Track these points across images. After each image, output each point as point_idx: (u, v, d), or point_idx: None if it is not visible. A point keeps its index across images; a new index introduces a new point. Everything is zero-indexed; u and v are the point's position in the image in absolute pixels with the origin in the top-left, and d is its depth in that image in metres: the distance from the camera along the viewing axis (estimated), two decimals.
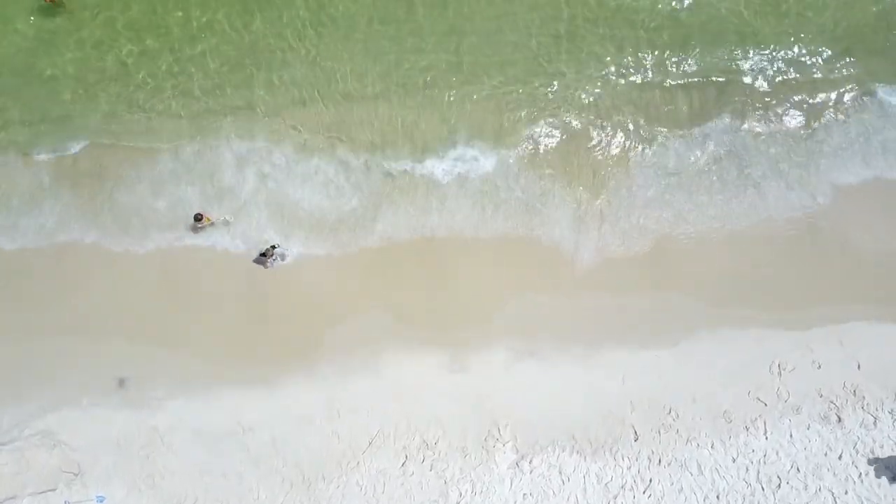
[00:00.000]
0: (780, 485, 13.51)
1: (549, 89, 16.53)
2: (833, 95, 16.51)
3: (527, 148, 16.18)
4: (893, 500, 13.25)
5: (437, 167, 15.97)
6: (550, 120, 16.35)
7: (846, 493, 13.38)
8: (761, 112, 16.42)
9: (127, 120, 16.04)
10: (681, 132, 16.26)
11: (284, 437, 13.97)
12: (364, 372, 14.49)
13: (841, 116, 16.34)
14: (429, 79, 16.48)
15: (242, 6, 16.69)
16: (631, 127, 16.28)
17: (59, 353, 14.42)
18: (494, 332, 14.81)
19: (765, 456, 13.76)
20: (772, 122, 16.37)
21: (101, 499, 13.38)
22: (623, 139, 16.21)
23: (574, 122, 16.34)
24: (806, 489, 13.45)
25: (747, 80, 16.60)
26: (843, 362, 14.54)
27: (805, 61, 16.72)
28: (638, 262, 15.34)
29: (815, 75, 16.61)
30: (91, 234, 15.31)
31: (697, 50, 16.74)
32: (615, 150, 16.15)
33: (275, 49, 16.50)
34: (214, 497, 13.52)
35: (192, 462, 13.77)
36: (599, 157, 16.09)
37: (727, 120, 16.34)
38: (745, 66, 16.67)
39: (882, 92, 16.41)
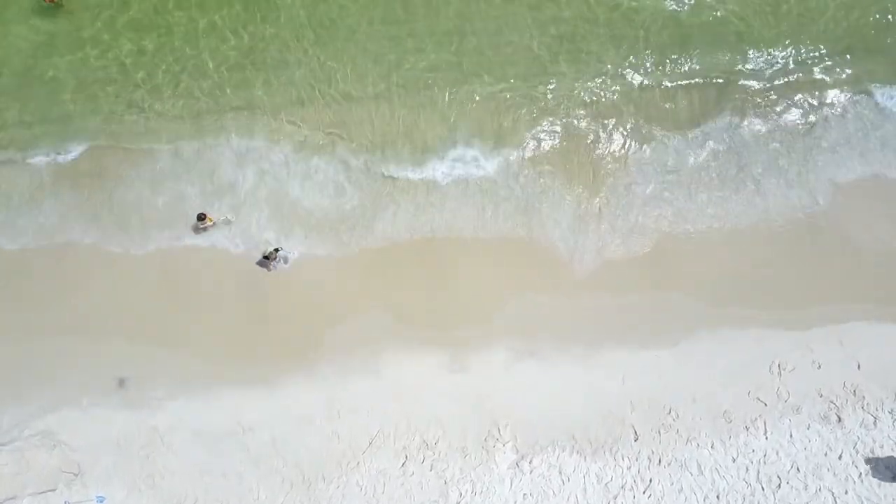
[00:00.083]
0: (780, 485, 13.51)
1: (549, 89, 16.54)
2: (832, 95, 16.56)
3: (527, 148, 16.19)
4: (893, 499, 13.25)
5: (437, 167, 15.98)
6: (550, 120, 16.37)
7: (846, 492, 13.39)
8: (761, 112, 16.45)
9: (127, 120, 16.04)
10: (680, 132, 16.29)
11: (284, 437, 13.96)
12: (364, 372, 14.48)
13: (839, 115, 16.39)
14: (429, 79, 16.49)
15: (243, 7, 16.69)
16: (631, 127, 16.30)
17: (59, 353, 14.40)
18: (494, 332, 14.81)
19: (765, 456, 13.76)
20: (771, 121, 16.40)
21: (101, 499, 13.37)
22: (623, 139, 16.23)
23: (574, 122, 16.36)
24: (806, 489, 13.45)
25: (747, 79, 16.64)
26: (843, 362, 14.55)
27: (804, 61, 16.75)
28: (638, 262, 15.35)
29: (814, 75, 16.66)
30: (91, 234, 15.30)
31: (697, 50, 16.77)
32: (615, 150, 16.16)
33: (275, 49, 16.52)
34: (214, 497, 13.51)
35: (192, 462, 13.76)
36: (599, 157, 16.11)
37: (727, 119, 16.36)
38: (745, 66, 16.71)
39: (879, 91, 16.42)
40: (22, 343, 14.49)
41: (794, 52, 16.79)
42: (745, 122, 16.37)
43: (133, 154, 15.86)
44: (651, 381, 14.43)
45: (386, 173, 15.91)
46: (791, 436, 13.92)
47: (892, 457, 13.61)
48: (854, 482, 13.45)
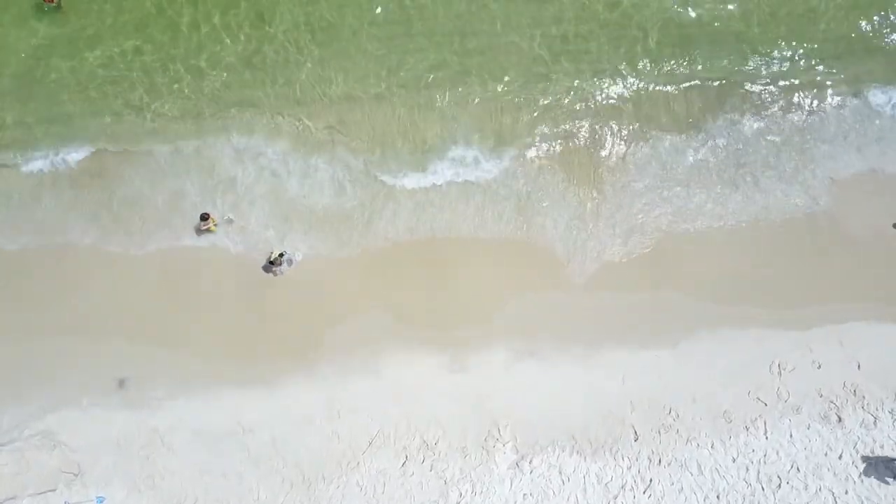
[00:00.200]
0: (780, 484, 13.51)
1: (549, 90, 16.54)
2: (830, 94, 16.58)
3: (527, 148, 16.18)
4: (893, 499, 13.25)
5: (437, 167, 15.97)
6: (551, 120, 16.37)
7: (846, 492, 13.39)
8: (760, 111, 16.46)
9: (126, 120, 16.02)
10: (680, 132, 16.29)
11: (284, 438, 13.96)
12: (364, 372, 14.49)
13: (838, 115, 16.40)
14: (429, 79, 16.48)
15: (243, 8, 16.67)
16: (630, 127, 16.30)
17: (59, 353, 14.41)
18: (494, 333, 14.83)
19: (765, 456, 13.76)
20: (770, 121, 16.41)
21: (100, 499, 13.38)
22: (622, 139, 16.23)
23: (574, 123, 16.36)
24: (806, 489, 13.45)
25: (746, 80, 16.65)
26: (843, 362, 14.57)
27: (803, 62, 16.76)
28: (638, 262, 15.35)
29: (812, 75, 16.67)
30: (91, 233, 15.30)
31: (697, 51, 16.77)
32: (615, 150, 16.16)
33: (275, 49, 16.49)
34: (214, 497, 13.51)
35: (192, 462, 13.76)
36: (599, 157, 16.11)
37: (726, 119, 16.37)
38: (744, 66, 16.71)
39: (878, 91, 16.46)
40: (22, 343, 14.49)
41: (793, 52, 16.79)
42: (745, 122, 16.38)
43: (133, 154, 15.86)
44: (651, 381, 14.43)
45: (386, 173, 15.89)
46: (791, 436, 13.92)
47: (892, 456, 13.61)
48: (854, 482, 13.46)
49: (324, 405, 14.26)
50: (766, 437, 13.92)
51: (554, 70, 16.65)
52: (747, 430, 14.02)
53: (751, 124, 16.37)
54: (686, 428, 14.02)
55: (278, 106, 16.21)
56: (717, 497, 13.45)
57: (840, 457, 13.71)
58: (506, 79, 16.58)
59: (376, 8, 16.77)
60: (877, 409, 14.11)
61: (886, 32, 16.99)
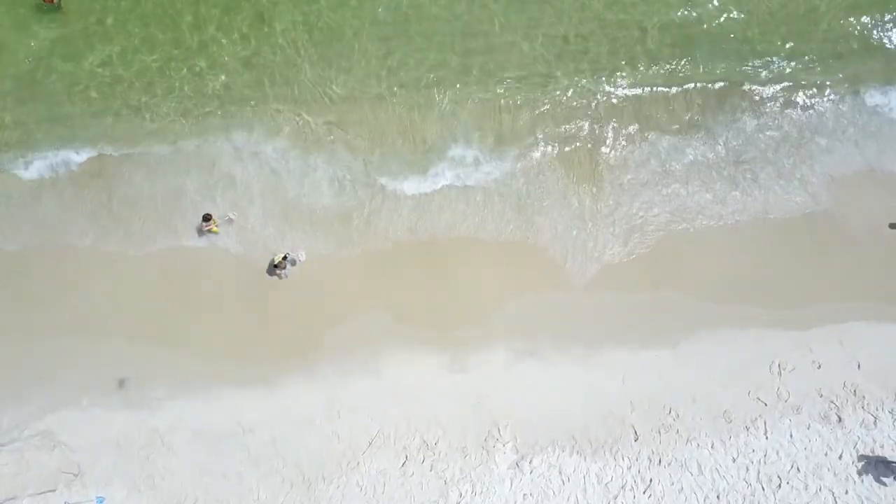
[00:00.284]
0: (780, 485, 13.51)
1: (549, 91, 16.56)
2: (830, 94, 16.61)
3: (527, 148, 16.19)
4: (893, 499, 13.25)
5: (437, 167, 15.97)
6: (550, 121, 16.38)
7: (846, 492, 13.39)
8: (760, 112, 16.49)
9: (126, 120, 16.02)
10: (679, 132, 16.32)
11: (284, 438, 13.96)
12: (364, 372, 14.48)
13: (838, 114, 16.44)
14: (429, 79, 16.49)
15: (243, 8, 16.68)
16: (630, 127, 16.31)
17: (59, 353, 14.40)
18: (494, 333, 14.83)
19: (765, 456, 13.76)
20: (770, 121, 16.43)
21: (100, 500, 13.37)
22: (622, 139, 16.24)
23: (574, 123, 16.37)
24: (806, 489, 13.45)
25: (746, 80, 16.67)
26: (843, 362, 14.58)
27: (802, 62, 16.78)
28: (638, 262, 15.36)
29: (812, 76, 16.72)
30: (91, 234, 15.29)
31: (697, 52, 16.79)
32: (615, 150, 16.17)
33: (275, 49, 16.50)
34: (214, 497, 13.50)
35: (192, 462, 13.75)
36: (599, 157, 16.12)
37: (726, 120, 16.39)
38: (744, 67, 16.73)
39: (876, 91, 16.48)
40: (22, 343, 14.48)
41: (793, 53, 16.82)
42: (745, 122, 16.39)
43: (133, 154, 15.85)
44: (651, 381, 14.43)
45: (386, 174, 15.90)
46: (791, 436, 13.92)
47: (890, 459, 13.60)
48: (854, 482, 13.46)
49: (324, 405, 14.26)
50: (767, 437, 13.92)
51: (554, 70, 16.67)
52: (747, 430, 14.01)
53: (750, 124, 16.39)
54: (686, 428, 14.02)
55: (278, 106, 16.22)
56: (718, 497, 13.45)
57: (840, 457, 13.71)
58: (506, 79, 16.60)
59: (377, 8, 16.79)
60: (877, 409, 14.11)
61: (886, 33, 17.01)
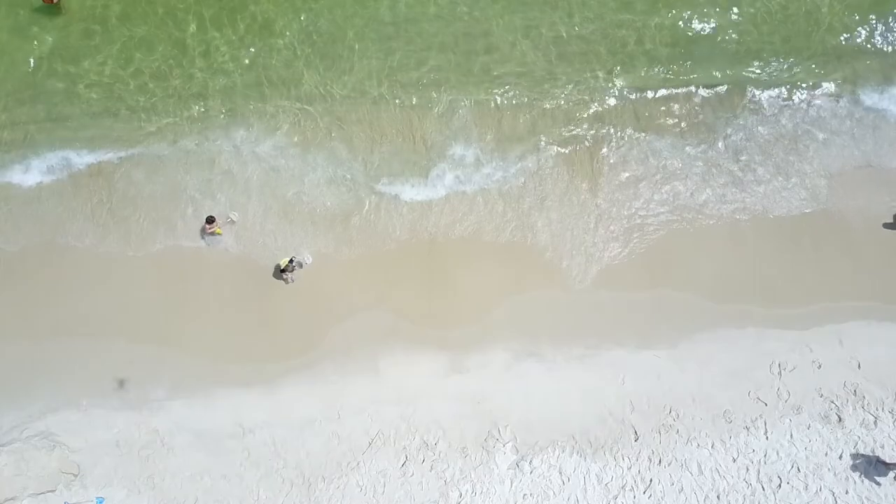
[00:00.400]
0: (780, 484, 13.50)
1: (550, 92, 16.60)
2: (829, 94, 16.62)
3: (527, 149, 16.21)
4: (893, 499, 13.24)
5: (438, 168, 15.99)
6: (551, 121, 16.41)
7: (847, 492, 13.38)
8: (760, 112, 16.53)
9: (126, 120, 16.06)
10: (678, 132, 16.36)
11: (285, 438, 13.94)
12: (364, 372, 14.48)
13: (837, 114, 16.46)
14: (430, 80, 16.52)
15: (244, 8, 16.70)
16: (630, 127, 16.35)
17: (58, 354, 14.39)
18: (494, 333, 14.82)
19: (765, 456, 13.75)
20: (770, 121, 16.47)
21: (100, 500, 13.34)
22: (622, 139, 16.27)
23: (574, 124, 16.40)
24: (806, 489, 13.44)
25: (746, 80, 16.70)
26: (843, 362, 14.56)
27: (802, 63, 16.81)
28: (637, 262, 15.36)
29: (811, 76, 16.74)
30: (91, 234, 15.30)
31: (697, 52, 16.82)
32: (614, 151, 16.20)
33: (277, 49, 16.53)
34: (214, 498, 13.48)
35: (192, 463, 13.74)
36: (599, 157, 16.14)
37: (726, 120, 16.42)
38: (744, 67, 16.76)
39: (873, 91, 16.51)
40: (22, 343, 14.48)
41: (792, 54, 16.85)
42: (744, 122, 16.42)
43: (133, 154, 15.88)
44: (651, 381, 14.43)
45: (386, 174, 15.92)
46: (791, 436, 13.91)
47: (888, 461, 13.59)
48: (855, 482, 13.45)
49: (324, 406, 14.24)
50: (767, 437, 13.91)
51: (554, 71, 16.70)
52: (747, 430, 14.00)
53: (750, 124, 16.41)
54: (686, 428, 14.01)
55: (278, 105, 16.26)
56: (718, 497, 13.44)
57: (840, 457, 13.70)
58: (506, 80, 16.62)
59: (378, 8, 16.81)
60: (877, 409, 14.10)
61: (885, 33, 17.03)
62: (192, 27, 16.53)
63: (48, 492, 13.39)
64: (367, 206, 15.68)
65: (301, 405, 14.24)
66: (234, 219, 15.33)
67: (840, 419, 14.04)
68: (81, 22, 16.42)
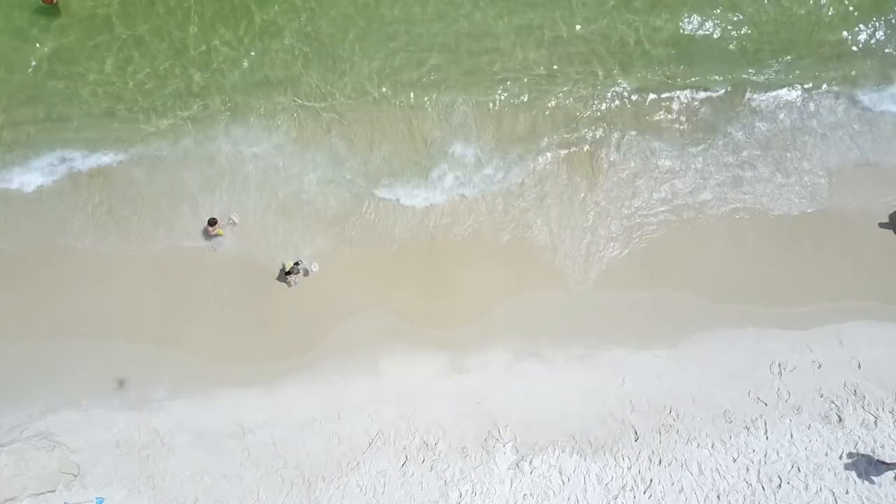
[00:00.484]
0: (780, 485, 13.50)
1: (550, 92, 16.55)
2: (829, 94, 16.58)
3: (528, 149, 16.19)
4: (894, 499, 13.24)
5: (438, 168, 15.99)
6: (551, 122, 16.38)
7: (847, 492, 13.38)
8: (760, 112, 16.48)
9: (126, 120, 16.03)
10: (678, 133, 16.33)
11: (285, 438, 13.95)
12: (364, 372, 14.48)
13: (838, 113, 16.43)
14: (432, 79, 16.51)
15: (245, 8, 16.67)
16: (630, 127, 16.32)
17: (58, 354, 14.40)
18: (494, 333, 14.82)
19: (765, 456, 13.75)
20: (770, 121, 16.42)
21: (100, 500, 13.36)
22: (622, 139, 16.24)
23: (574, 124, 16.37)
24: (807, 489, 13.44)
25: (746, 80, 16.66)
26: (843, 362, 14.55)
27: (801, 63, 16.79)
28: (637, 262, 15.35)
29: (811, 76, 16.70)
30: (91, 234, 15.29)
31: (697, 55, 16.79)
32: (614, 151, 16.18)
33: (277, 49, 16.51)
34: (214, 498, 13.49)
35: (192, 463, 13.75)
36: (599, 158, 16.12)
37: (726, 120, 16.39)
38: (745, 67, 16.73)
39: (872, 92, 16.53)
40: (21, 343, 14.48)
41: (792, 55, 16.82)
42: (745, 122, 16.38)
43: (133, 154, 15.85)
44: (651, 381, 14.43)
45: (386, 173, 15.92)
46: (792, 436, 13.91)
47: (888, 457, 13.60)
48: (855, 482, 13.45)
49: (324, 406, 14.25)
50: (767, 437, 13.91)
51: (555, 72, 16.68)
52: (748, 430, 14.00)
53: (750, 123, 16.38)
54: (686, 428, 14.01)
55: (279, 105, 16.22)
56: (718, 497, 13.43)
57: (840, 457, 13.70)
58: (507, 80, 16.61)
59: (379, 9, 16.81)
60: (877, 409, 14.10)
61: (885, 34, 17.04)
62: (192, 27, 16.50)
63: (48, 492, 13.40)
64: (366, 206, 15.68)
65: (301, 405, 14.24)
66: (235, 220, 15.32)
67: (840, 419, 14.04)
68: (81, 22, 16.40)
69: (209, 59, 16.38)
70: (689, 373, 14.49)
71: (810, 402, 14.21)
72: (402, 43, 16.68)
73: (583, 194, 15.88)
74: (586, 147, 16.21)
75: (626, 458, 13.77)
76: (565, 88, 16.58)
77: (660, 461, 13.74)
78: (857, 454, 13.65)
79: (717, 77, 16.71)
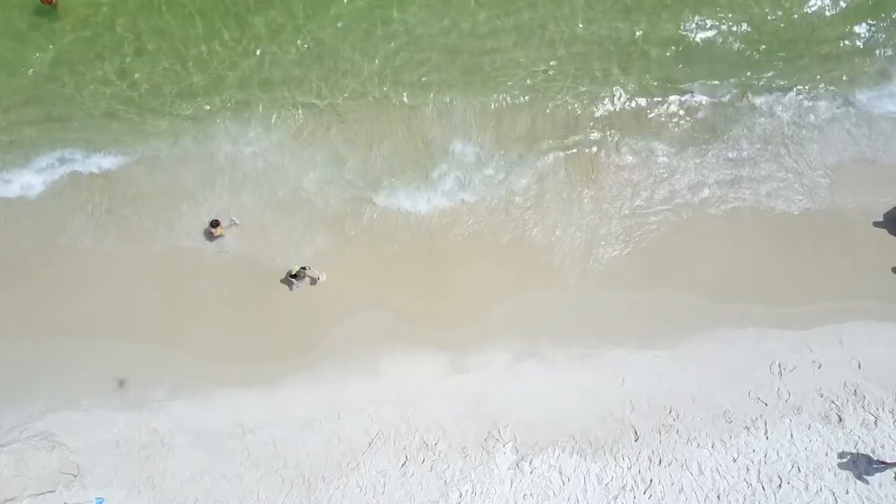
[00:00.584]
0: (780, 485, 13.50)
1: (551, 93, 16.54)
2: (829, 94, 16.56)
3: (528, 149, 16.18)
4: (894, 499, 13.24)
5: (439, 168, 15.99)
6: (552, 122, 16.36)
7: (847, 492, 13.38)
8: (760, 112, 16.46)
9: (126, 120, 16.01)
10: (677, 133, 16.31)
11: (285, 438, 13.96)
12: (364, 372, 14.48)
13: (838, 113, 16.41)
14: (432, 80, 16.50)
15: (247, 8, 16.66)
16: (630, 127, 16.31)
17: (58, 354, 14.40)
18: (494, 333, 14.82)
19: (765, 456, 13.75)
20: (770, 121, 16.40)
21: (100, 501, 13.37)
22: (622, 139, 16.23)
23: (574, 125, 16.36)
24: (807, 489, 13.44)
25: (746, 80, 16.65)
26: (843, 362, 14.55)
27: (801, 64, 16.79)
28: (637, 262, 15.34)
29: (811, 76, 16.69)
30: (91, 234, 15.28)
31: (697, 56, 16.78)
32: (614, 151, 16.16)
33: (275, 48, 16.49)
34: (214, 498, 13.50)
35: (192, 463, 13.76)
36: (599, 158, 16.11)
37: (726, 120, 16.38)
38: (745, 68, 16.73)
39: (870, 92, 16.54)
40: (21, 343, 14.48)
41: (792, 55, 16.82)
42: (745, 122, 16.37)
43: (133, 154, 15.85)
44: (651, 381, 14.43)
45: (386, 173, 15.92)
46: (792, 436, 13.91)
47: (882, 458, 13.61)
48: (855, 482, 13.45)
49: (324, 406, 14.26)
50: (767, 437, 13.91)
51: (555, 73, 16.67)
52: (748, 430, 14.00)
53: (750, 123, 16.37)
54: (686, 428, 14.02)
55: (279, 105, 16.21)
56: (718, 497, 13.44)
57: (841, 457, 13.71)
58: (508, 81, 16.61)
59: (379, 9, 16.80)
60: (877, 409, 14.10)
61: (885, 33, 17.05)
62: (192, 27, 16.49)
63: (48, 492, 13.40)
64: (367, 206, 15.67)
65: (301, 405, 14.25)
66: (237, 221, 15.31)
67: (840, 419, 14.04)
68: (81, 22, 16.39)
69: (210, 59, 16.36)
70: (689, 373, 14.49)
71: (810, 402, 14.21)
72: (402, 43, 16.68)
73: (583, 194, 15.87)
74: (587, 147, 16.20)
75: (626, 458, 13.77)
76: (566, 89, 16.58)
77: (660, 461, 13.74)
78: (858, 454, 13.66)
79: (716, 77, 16.71)
